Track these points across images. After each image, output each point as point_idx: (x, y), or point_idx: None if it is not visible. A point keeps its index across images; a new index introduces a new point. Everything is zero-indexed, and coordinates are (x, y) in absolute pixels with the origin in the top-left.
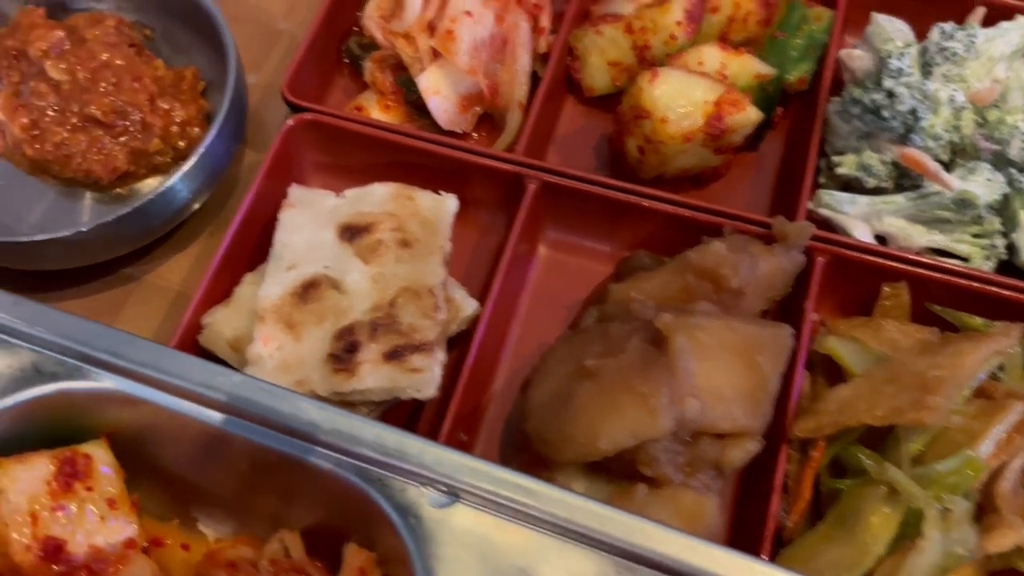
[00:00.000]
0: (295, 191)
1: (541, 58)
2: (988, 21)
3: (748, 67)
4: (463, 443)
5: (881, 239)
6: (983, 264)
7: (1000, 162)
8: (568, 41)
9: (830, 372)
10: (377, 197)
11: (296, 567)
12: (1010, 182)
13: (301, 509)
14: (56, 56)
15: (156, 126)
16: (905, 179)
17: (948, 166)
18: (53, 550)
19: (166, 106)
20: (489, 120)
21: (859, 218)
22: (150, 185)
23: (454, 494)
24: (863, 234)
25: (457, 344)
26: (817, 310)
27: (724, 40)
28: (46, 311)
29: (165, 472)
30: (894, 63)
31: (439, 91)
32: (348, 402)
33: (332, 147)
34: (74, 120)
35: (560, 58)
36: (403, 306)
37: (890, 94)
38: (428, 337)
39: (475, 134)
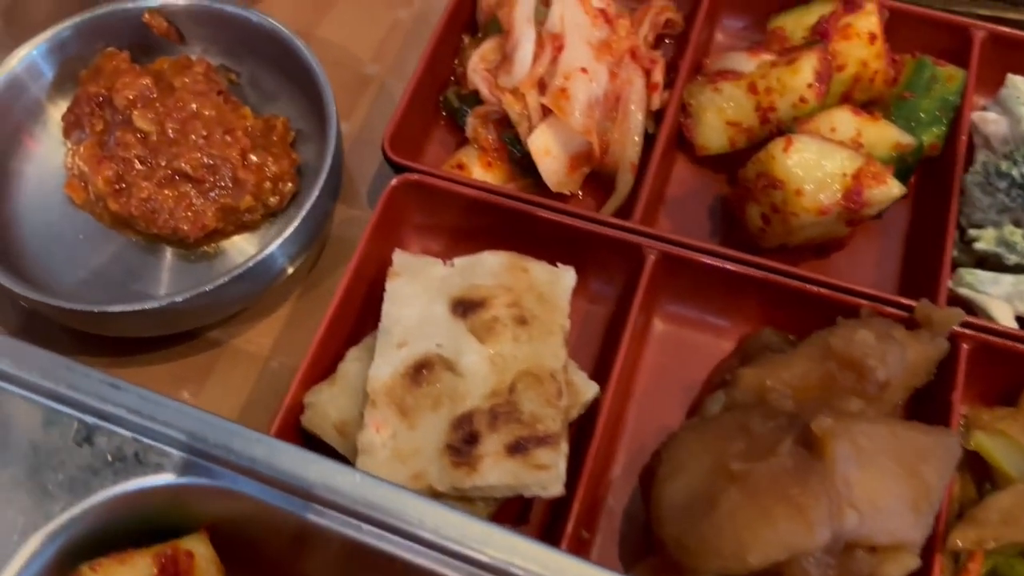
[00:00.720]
0: (400, 258)
1: (651, 114)
2: None
3: (886, 135)
4: (584, 541)
5: (1021, 321)
6: None
7: None
8: (682, 98)
9: (975, 467)
10: (488, 268)
11: None
12: None
13: None
14: (143, 105)
15: (248, 182)
16: None
17: None
18: None
19: (258, 160)
20: (594, 178)
21: (1002, 298)
22: (235, 243)
23: None
24: (1005, 316)
25: (571, 428)
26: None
27: (848, 100)
28: (149, 396)
29: (264, 564)
30: None
31: (549, 151)
32: (465, 497)
33: (435, 208)
34: (161, 174)
35: (674, 117)
36: (523, 392)
37: None
38: (552, 429)
39: (580, 193)
